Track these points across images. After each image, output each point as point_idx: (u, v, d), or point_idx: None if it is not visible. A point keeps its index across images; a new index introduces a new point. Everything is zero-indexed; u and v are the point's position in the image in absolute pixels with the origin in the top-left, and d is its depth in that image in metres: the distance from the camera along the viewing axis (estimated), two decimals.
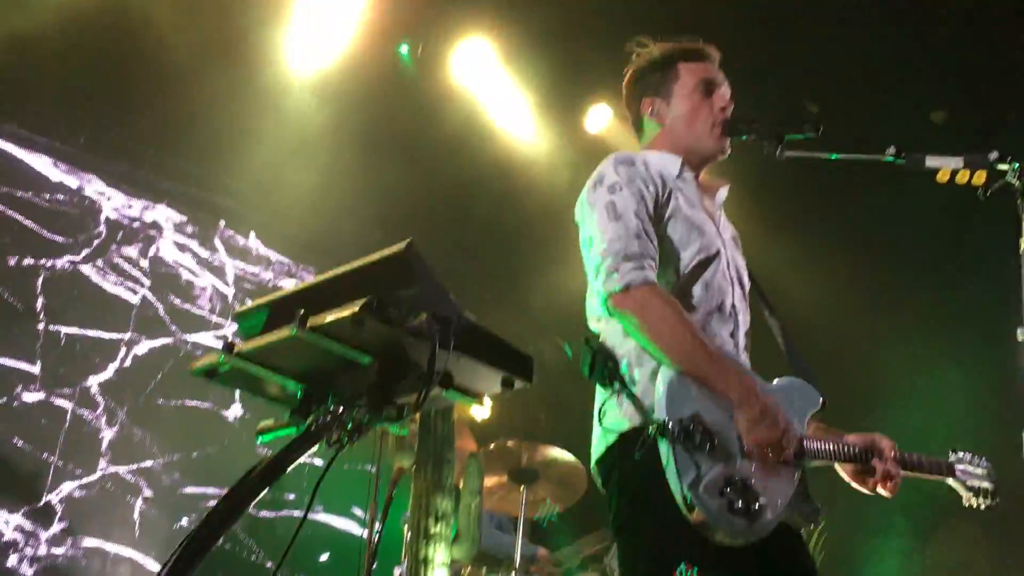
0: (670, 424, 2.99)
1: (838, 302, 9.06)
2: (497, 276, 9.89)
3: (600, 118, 9.07)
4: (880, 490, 3.40)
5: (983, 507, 3.62)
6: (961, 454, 3.64)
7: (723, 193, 3.66)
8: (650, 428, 3.02)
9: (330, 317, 2.10)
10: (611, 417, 3.22)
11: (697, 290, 3.32)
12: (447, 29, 8.47)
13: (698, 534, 2.98)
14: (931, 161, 3.02)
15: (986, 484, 3.62)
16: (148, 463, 8.26)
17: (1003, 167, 2.89)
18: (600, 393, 3.29)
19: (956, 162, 2.97)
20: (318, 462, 7.22)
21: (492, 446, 7.06)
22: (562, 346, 9.50)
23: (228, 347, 2.27)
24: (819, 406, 3.42)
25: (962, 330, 8.67)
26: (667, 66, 3.63)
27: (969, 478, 3.61)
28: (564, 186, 8.48)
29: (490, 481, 7.01)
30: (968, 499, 3.62)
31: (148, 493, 8.19)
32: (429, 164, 8.84)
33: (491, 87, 8.78)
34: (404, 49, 8.52)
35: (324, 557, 8.74)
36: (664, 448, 2.99)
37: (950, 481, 3.61)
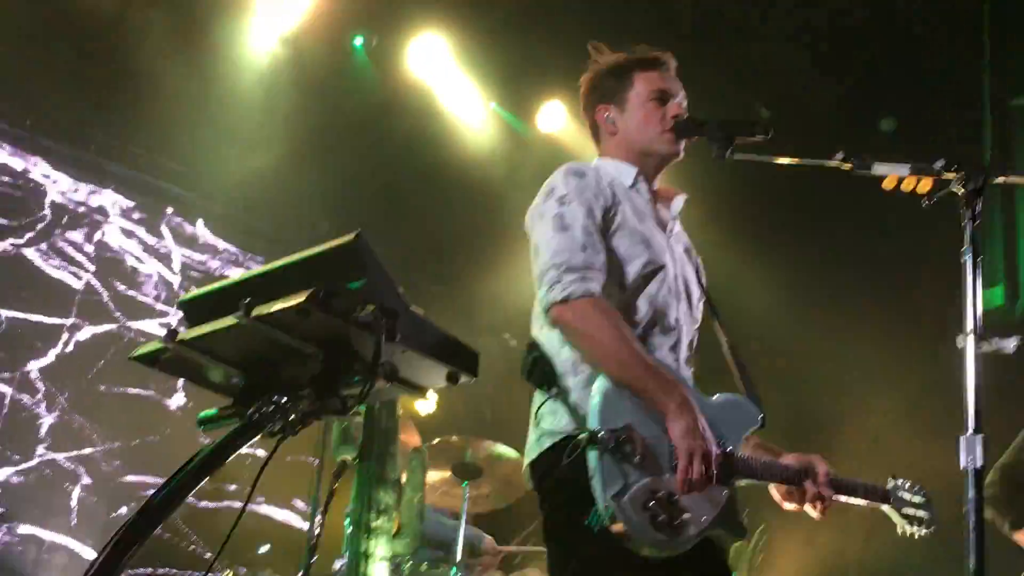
0: (601, 433, 3.01)
1: (786, 310, 9.15)
2: (446, 271, 9.89)
3: (553, 116, 9.10)
4: (810, 512, 3.41)
5: (916, 536, 3.64)
6: (900, 481, 3.65)
7: (679, 203, 3.67)
8: (580, 436, 3.04)
9: (275, 306, 2.08)
10: (546, 423, 3.25)
11: (641, 303, 3.35)
12: (402, 22, 8.47)
13: (622, 545, 3.00)
14: (878, 168, 3.04)
15: (922, 513, 3.64)
16: (88, 450, 8.17)
17: (948, 175, 2.92)
18: (537, 398, 3.32)
19: (903, 169, 3.00)
20: (261, 453, 7.17)
21: (436, 441, 7.05)
22: (510, 344, 9.53)
23: (171, 334, 2.25)
24: (758, 423, 3.43)
25: (906, 336, 8.77)
26: (622, 74, 3.64)
27: (904, 506, 3.62)
28: (515, 185, 8.50)
29: (433, 476, 7.00)
30: (902, 527, 3.63)
31: (87, 481, 8.10)
32: (381, 157, 8.83)
33: (445, 82, 8.79)
34: (358, 41, 8.49)
35: (264, 549, 8.69)
36: (592, 457, 3.00)
37: (884, 508, 3.61)
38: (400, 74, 8.65)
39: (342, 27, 8.34)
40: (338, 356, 2.19)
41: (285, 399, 2.22)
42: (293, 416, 2.23)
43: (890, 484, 3.63)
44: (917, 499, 3.65)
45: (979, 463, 2.78)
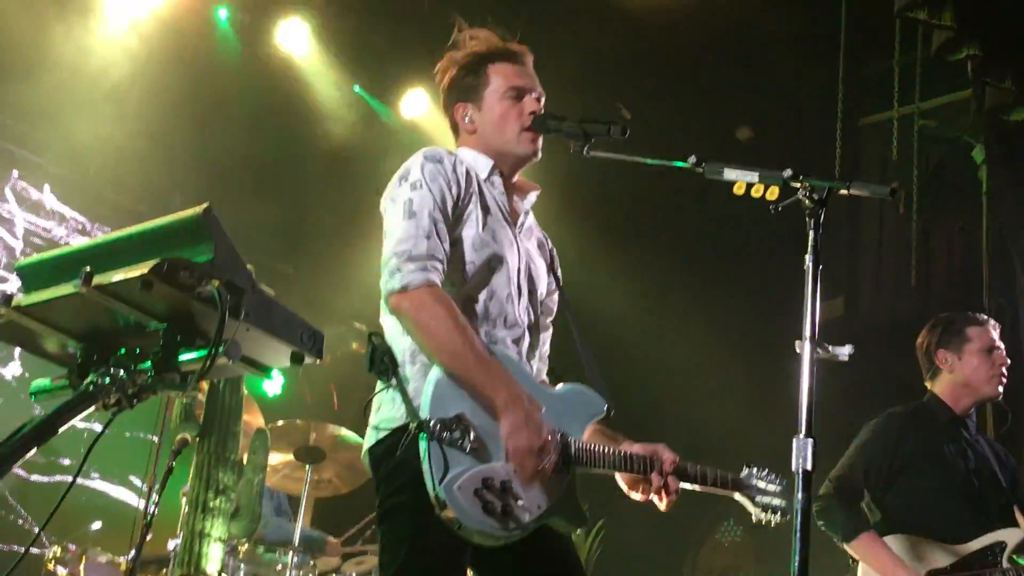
0: (431, 422, 3.02)
1: (639, 305, 9.29)
2: (300, 253, 9.79)
3: (417, 103, 9.09)
4: (656, 501, 3.44)
5: (773, 523, 3.63)
6: (755, 470, 3.65)
7: (532, 197, 3.68)
8: (411, 424, 3.06)
9: (117, 277, 2.04)
10: (384, 412, 3.26)
11: (483, 295, 3.36)
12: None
13: (455, 532, 3.02)
14: (729, 173, 3.10)
15: (778, 501, 3.64)
16: None
17: (795, 184, 3.00)
18: (378, 387, 3.31)
19: (752, 176, 3.06)
20: (99, 428, 7.00)
21: (281, 423, 6.98)
22: (360, 329, 9.48)
23: (6, 300, 2.18)
24: (603, 413, 3.46)
25: (752, 339, 9.00)
26: (477, 70, 3.62)
27: (759, 494, 3.62)
28: (374, 169, 8.44)
29: (275, 458, 6.93)
30: (757, 515, 3.62)
31: None
32: (240, 133, 8.68)
33: (311, 61, 8.70)
34: (223, 14, 8.34)
35: (96, 526, 8.49)
36: (423, 445, 3.02)
37: (737, 496, 3.61)
38: (266, 50, 8.53)
39: (204, 2, 8.19)
40: (180, 330, 2.15)
41: (122, 372, 2.17)
42: (130, 389, 2.17)
43: (744, 472, 3.64)
44: (773, 487, 3.65)
45: (809, 466, 2.86)
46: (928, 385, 5.22)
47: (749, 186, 3.05)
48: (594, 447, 3.36)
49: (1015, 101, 6.82)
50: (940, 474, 4.98)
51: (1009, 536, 4.86)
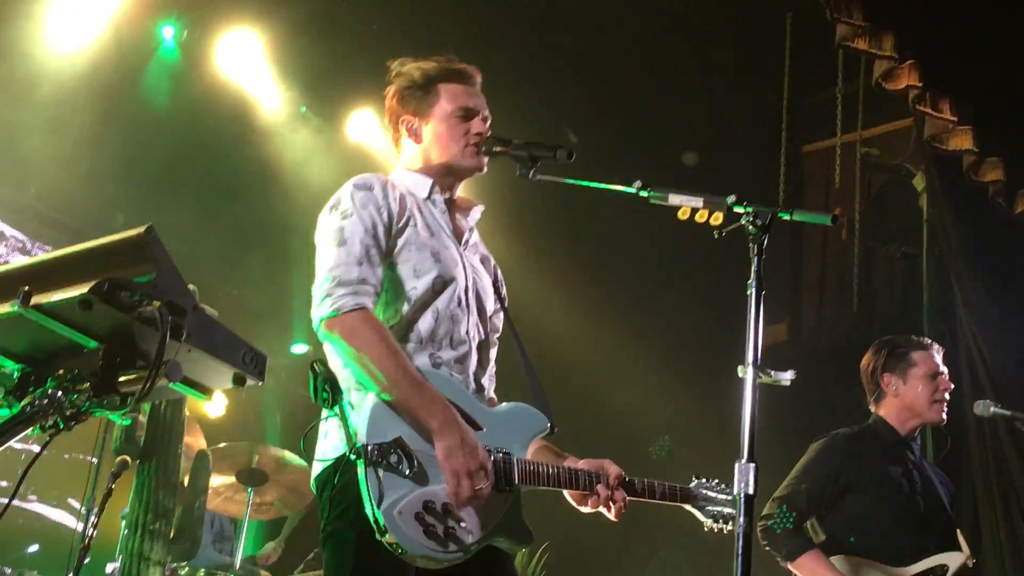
0: (369, 447, 3.02)
1: (584, 325, 9.31)
2: (243, 273, 9.72)
3: (363, 125, 9.08)
4: (605, 514, 3.45)
5: (726, 531, 3.63)
6: (704, 480, 3.68)
7: (476, 214, 3.70)
8: (350, 451, 3.06)
9: (56, 296, 2.01)
10: (330, 438, 3.26)
11: (428, 317, 3.36)
12: (214, 15, 8.29)
13: (398, 558, 3.01)
14: (673, 198, 3.13)
15: (728, 510, 3.66)
16: None
17: (739, 210, 3.02)
18: (322, 414, 3.30)
19: (696, 201, 3.09)
20: (37, 449, 6.89)
21: (223, 444, 6.92)
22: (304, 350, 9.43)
23: None
24: (546, 430, 3.47)
25: (695, 362, 9.05)
26: (427, 87, 3.64)
27: (710, 503, 3.65)
28: (318, 190, 8.42)
29: (217, 480, 6.87)
30: (709, 526, 3.66)
31: None
32: (186, 152, 8.62)
33: (256, 81, 8.66)
34: (168, 32, 8.29)
35: (33, 549, 8.35)
36: (361, 471, 3.02)
37: (688, 507, 3.64)
38: (210, 69, 8.47)
39: (152, 17, 8.12)
40: (120, 351, 2.13)
41: (60, 393, 2.14)
42: (68, 411, 2.15)
43: (693, 483, 3.67)
44: (723, 496, 3.68)
45: (751, 490, 2.88)
46: (873, 407, 5.27)
47: (694, 211, 3.08)
48: (538, 465, 3.36)
49: (953, 131, 6.93)
50: (884, 496, 5.02)
51: (951, 560, 4.91)
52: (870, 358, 5.31)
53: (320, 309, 3.18)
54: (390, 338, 3.18)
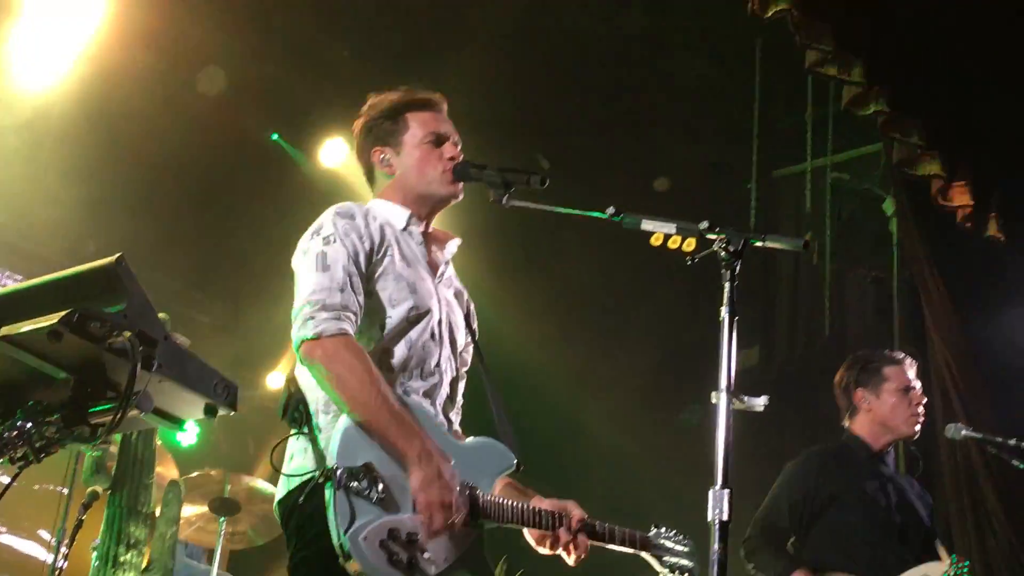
0: (338, 471, 3.01)
1: (552, 354, 9.31)
2: (218, 301, 9.68)
3: (335, 152, 9.08)
4: (565, 557, 3.43)
5: None
6: (663, 530, 3.66)
7: (452, 247, 3.70)
8: (320, 474, 3.05)
9: (26, 327, 2.01)
10: (296, 461, 3.24)
11: (400, 348, 3.36)
12: (187, 46, 8.28)
13: None
14: (646, 224, 3.15)
15: (685, 562, 3.64)
16: None
17: (712, 236, 3.04)
18: (291, 436, 3.28)
19: (669, 227, 3.11)
20: (6, 479, 6.82)
21: (195, 474, 6.88)
22: (277, 377, 9.40)
23: None
24: (512, 467, 3.46)
25: (665, 390, 9.06)
26: (396, 116, 3.65)
27: (667, 554, 3.62)
28: (293, 217, 8.40)
29: (189, 510, 6.82)
30: (664, 575, 3.63)
31: None
32: (154, 180, 8.58)
33: (227, 108, 8.64)
34: (141, 59, 8.26)
35: None
36: (328, 495, 3.00)
37: (644, 555, 3.61)
38: (182, 96, 8.45)
39: (125, 44, 8.10)
40: (90, 382, 2.12)
41: (30, 424, 2.13)
42: (38, 443, 2.13)
43: (652, 532, 3.64)
44: (680, 547, 3.66)
45: (725, 516, 2.87)
46: (846, 423, 5.30)
47: (667, 237, 3.10)
48: (503, 502, 3.34)
49: (921, 156, 6.99)
50: (862, 510, 5.05)
51: (933, 570, 4.94)
52: (843, 373, 5.35)
53: (301, 331, 3.17)
54: (371, 365, 3.18)
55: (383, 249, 3.41)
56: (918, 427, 5.21)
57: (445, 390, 3.49)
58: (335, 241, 3.32)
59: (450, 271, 3.71)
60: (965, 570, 4.89)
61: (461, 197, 3.64)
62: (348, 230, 3.36)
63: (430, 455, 3.13)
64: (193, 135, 8.61)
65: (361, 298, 3.29)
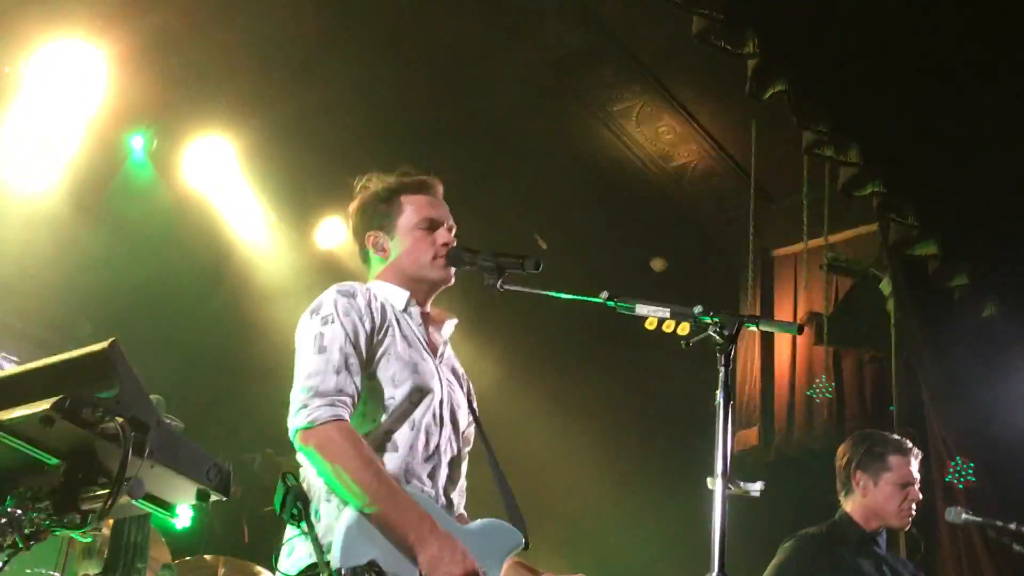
0: (343, 572, 2.95)
1: (550, 438, 9.28)
2: (213, 383, 9.63)
3: (332, 232, 9.12)
4: None
5: None
6: None
7: (450, 327, 3.69)
8: (323, 574, 2.99)
9: (17, 413, 1.99)
10: (295, 556, 3.19)
11: (404, 429, 3.33)
12: (183, 124, 8.35)
13: None
14: (640, 308, 3.15)
15: None
16: None
17: (706, 320, 3.04)
18: (288, 530, 3.25)
19: (664, 312, 3.11)
20: None
21: (188, 558, 6.79)
22: (273, 459, 9.32)
23: None
24: (521, 546, 3.42)
25: (668, 475, 9.00)
26: (390, 200, 3.66)
27: None
28: (289, 298, 8.42)
29: None
30: None
31: None
32: (150, 260, 8.58)
33: (225, 190, 8.69)
34: (137, 142, 8.31)
35: None
36: None
37: None
38: (178, 177, 8.49)
39: (121, 123, 8.15)
40: (82, 468, 2.11)
41: (20, 511, 2.11)
42: (27, 530, 2.11)
43: None
44: None
45: None
46: (841, 500, 5.25)
47: (661, 321, 3.10)
48: None
49: (918, 236, 7.01)
50: None
51: None
52: (846, 449, 5.30)
53: (296, 420, 3.14)
54: (366, 448, 3.14)
55: (384, 328, 3.39)
56: (909, 520, 5.17)
57: (446, 472, 3.45)
58: (333, 321, 3.30)
59: (449, 351, 3.69)
60: None
61: (452, 281, 3.64)
62: (348, 309, 3.34)
63: (437, 532, 3.08)
64: (187, 214, 8.63)
65: (359, 379, 3.25)
